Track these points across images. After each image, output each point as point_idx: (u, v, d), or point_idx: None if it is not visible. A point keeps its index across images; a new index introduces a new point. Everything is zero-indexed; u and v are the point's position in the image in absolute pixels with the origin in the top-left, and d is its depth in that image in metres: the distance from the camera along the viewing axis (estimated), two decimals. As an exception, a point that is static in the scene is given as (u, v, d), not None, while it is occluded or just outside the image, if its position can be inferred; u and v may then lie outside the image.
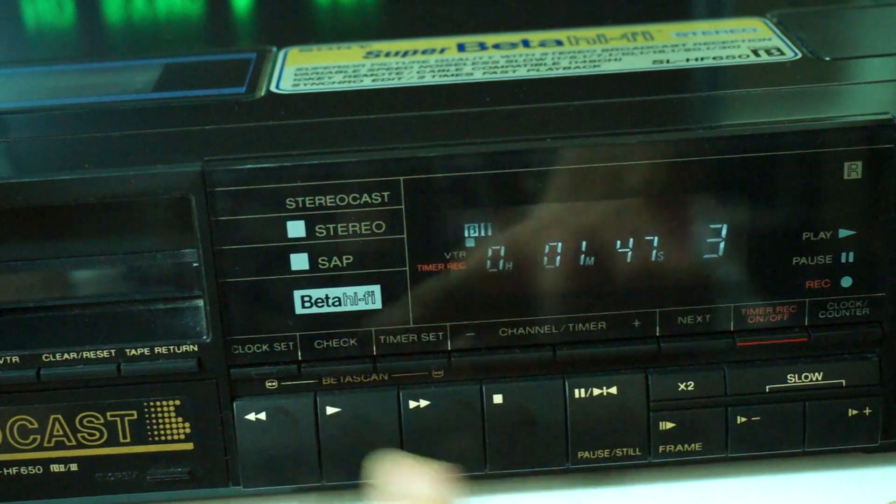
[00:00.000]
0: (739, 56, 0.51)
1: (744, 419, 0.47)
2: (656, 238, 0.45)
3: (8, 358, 0.46)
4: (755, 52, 0.51)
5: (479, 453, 0.47)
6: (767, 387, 0.47)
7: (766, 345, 0.47)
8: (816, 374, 0.47)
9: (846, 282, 0.46)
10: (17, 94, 0.53)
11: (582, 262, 0.45)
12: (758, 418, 0.47)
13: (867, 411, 0.47)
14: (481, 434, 0.47)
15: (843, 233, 0.45)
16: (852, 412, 0.47)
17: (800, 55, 0.51)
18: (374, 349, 0.46)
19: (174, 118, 0.49)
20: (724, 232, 0.45)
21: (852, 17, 0.57)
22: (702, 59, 0.51)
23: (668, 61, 0.51)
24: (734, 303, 0.46)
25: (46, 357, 0.46)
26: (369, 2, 0.67)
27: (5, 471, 0.47)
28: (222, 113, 0.49)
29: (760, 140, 0.44)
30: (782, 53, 0.51)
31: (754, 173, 0.44)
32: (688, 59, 0.51)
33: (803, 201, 0.45)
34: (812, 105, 0.47)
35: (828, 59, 0.50)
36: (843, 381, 0.47)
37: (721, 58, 0.51)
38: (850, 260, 0.45)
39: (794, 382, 0.47)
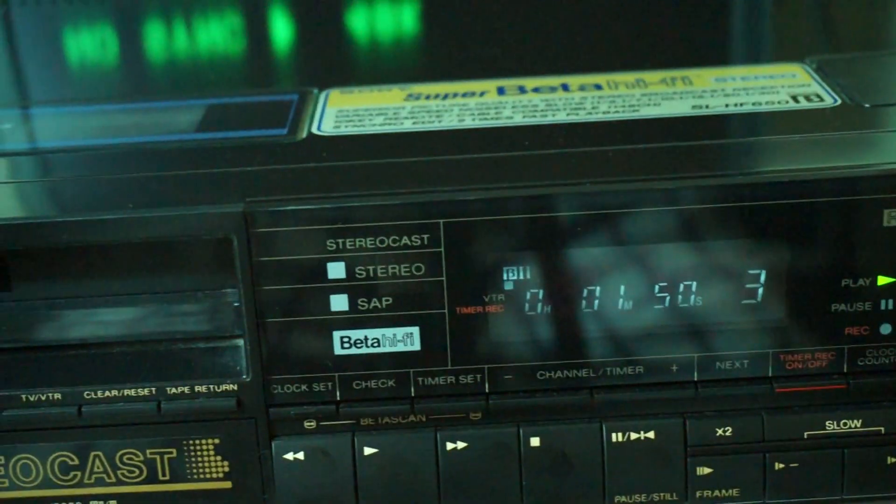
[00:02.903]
0: (779, 102, 0.51)
1: (782, 465, 0.47)
2: (694, 283, 0.45)
3: (50, 395, 0.46)
4: (794, 98, 0.52)
5: (516, 495, 0.47)
6: (806, 433, 0.47)
7: (804, 391, 0.46)
8: (855, 420, 0.46)
9: (885, 329, 0.46)
10: (62, 134, 0.53)
11: (620, 307, 0.46)
12: (796, 465, 0.47)
13: (906, 459, 0.47)
14: (518, 476, 0.47)
15: (882, 280, 0.45)
16: (892, 460, 0.47)
17: (839, 101, 0.51)
18: (413, 390, 0.46)
19: (217, 159, 0.49)
20: (762, 278, 0.45)
21: (892, 64, 0.57)
22: (741, 104, 0.51)
23: (707, 106, 0.51)
24: (772, 349, 0.46)
25: (88, 394, 0.46)
26: (410, 44, 0.68)
27: None
28: (264, 154, 0.49)
29: (800, 187, 0.44)
30: (822, 100, 0.51)
31: (794, 220, 0.44)
32: (727, 105, 0.51)
33: (843, 248, 0.45)
34: (852, 152, 0.47)
35: (867, 105, 0.50)
36: (883, 428, 0.46)
37: (760, 103, 0.51)
38: (890, 307, 0.45)
39: (833, 429, 0.46)
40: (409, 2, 0.73)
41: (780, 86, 0.53)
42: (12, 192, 0.48)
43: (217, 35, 0.70)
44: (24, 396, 0.46)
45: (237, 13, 0.73)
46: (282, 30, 0.71)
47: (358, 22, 0.71)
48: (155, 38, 0.69)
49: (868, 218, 0.44)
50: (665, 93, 0.53)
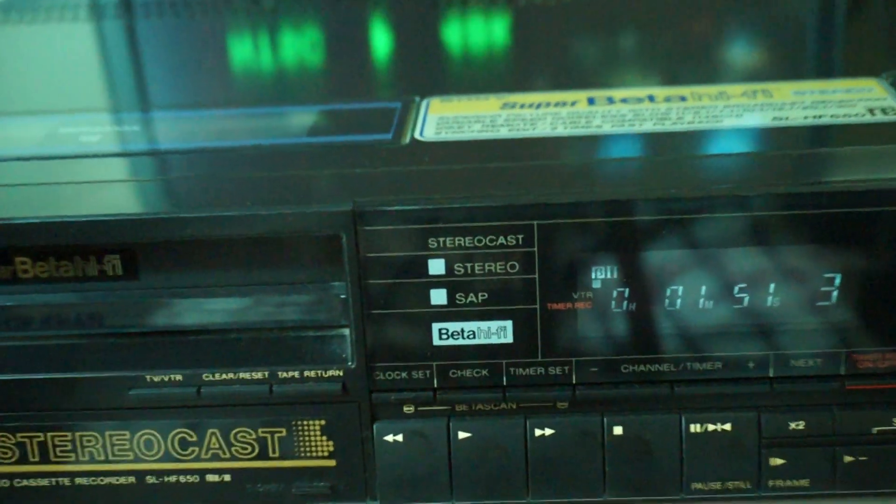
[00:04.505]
0: (856, 115, 0.51)
1: (851, 458, 0.47)
2: (772, 285, 0.45)
3: (172, 376, 0.47)
4: (871, 111, 0.51)
5: (599, 480, 0.47)
6: (874, 429, 0.46)
7: (874, 389, 0.46)
8: None
9: None
10: (183, 136, 0.54)
11: (701, 306, 0.46)
12: (864, 458, 0.47)
13: (971, 456, 0.46)
14: (601, 463, 0.47)
15: None
16: None
17: None
18: (504, 380, 0.46)
19: (327, 161, 0.49)
20: (837, 281, 0.45)
21: None
22: (819, 116, 0.51)
23: (787, 118, 0.51)
24: (845, 348, 0.46)
25: (206, 376, 0.47)
26: (504, 56, 0.68)
27: (166, 479, 0.48)
28: (371, 157, 0.49)
29: (875, 195, 0.44)
30: None
31: (868, 226, 0.44)
32: (806, 117, 0.51)
33: None
34: None
35: None
36: None
37: (838, 116, 0.51)
38: None
39: None
40: (501, 17, 0.73)
41: (856, 99, 0.52)
42: (139, 189, 0.49)
43: (326, 48, 0.70)
44: (148, 377, 0.47)
45: (344, 29, 0.73)
46: (384, 43, 0.71)
47: (454, 35, 0.70)
48: (268, 51, 0.69)
49: (940, 225, 0.45)
50: (746, 105, 0.53)
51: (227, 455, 0.48)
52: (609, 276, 0.45)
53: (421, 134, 0.51)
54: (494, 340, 0.46)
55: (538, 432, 0.47)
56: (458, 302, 0.46)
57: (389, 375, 0.47)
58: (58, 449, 0.48)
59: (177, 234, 0.45)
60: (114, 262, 0.47)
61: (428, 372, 0.47)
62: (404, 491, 0.48)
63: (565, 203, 0.44)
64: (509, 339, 0.46)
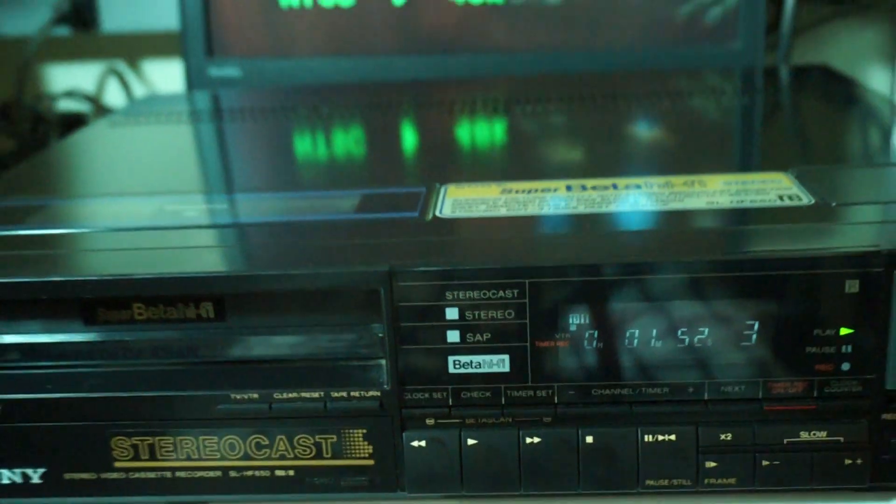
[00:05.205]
0: (769, 200, 0.51)
1: (767, 462, 0.46)
2: (707, 329, 0.46)
3: (250, 395, 0.47)
4: (780, 198, 0.51)
5: (575, 477, 0.47)
6: (785, 440, 0.46)
7: (785, 409, 0.46)
8: (822, 432, 0.46)
9: (845, 366, 0.45)
10: (260, 213, 0.54)
11: (652, 344, 0.46)
12: (778, 462, 0.46)
13: (858, 461, 0.46)
14: (577, 463, 0.47)
15: (843, 331, 0.45)
16: (847, 461, 0.46)
17: (814, 201, 0.50)
18: (503, 400, 0.46)
19: (370, 233, 0.49)
20: (756, 327, 0.45)
21: (854, 174, 0.55)
22: (741, 201, 0.51)
23: (717, 203, 0.51)
24: (763, 378, 0.46)
25: (276, 395, 0.47)
26: (503, 153, 0.67)
27: (244, 473, 0.48)
28: (402, 230, 0.49)
29: (784, 262, 0.44)
30: (801, 199, 0.50)
31: (780, 286, 0.44)
32: (731, 202, 0.51)
33: (815, 307, 0.44)
34: (822, 238, 0.46)
35: (834, 204, 0.49)
36: (842, 438, 0.46)
37: (756, 201, 0.51)
38: (849, 351, 0.45)
39: (806, 438, 0.46)
40: (500, 121, 0.72)
41: (769, 188, 0.52)
42: (227, 253, 0.49)
43: (368, 145, 0.69)
44: (231, 395, 0.47)
45: (382, 130, 0.72)
46: (412, 141, 0.70)
47: (465, 135, 0.70)
48: (324, 147, 0.69)
49: (834, 286, 0.44)
50: (687, 192, 0.52)
51: (292, 455, 0.48)
52: (583, 321, 0.46)
53: (440, 212, 0.51)
54: (495, 370, 0.46)
55: (528, 440, 0.47)
56: (468, 340, 0.46)
57: (415, 396, 0.47)
58: (162, 449, 0.48)
59: (255, 287, 0.46)
60: (207, 308, 0.47)
61: (444, 393, 0.46)
62: (426, 483, 0.47)
63: (549, 266, 0.45)
64: (507, 368, 0.46)
